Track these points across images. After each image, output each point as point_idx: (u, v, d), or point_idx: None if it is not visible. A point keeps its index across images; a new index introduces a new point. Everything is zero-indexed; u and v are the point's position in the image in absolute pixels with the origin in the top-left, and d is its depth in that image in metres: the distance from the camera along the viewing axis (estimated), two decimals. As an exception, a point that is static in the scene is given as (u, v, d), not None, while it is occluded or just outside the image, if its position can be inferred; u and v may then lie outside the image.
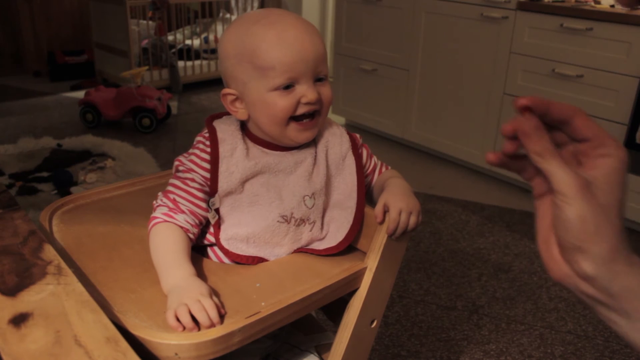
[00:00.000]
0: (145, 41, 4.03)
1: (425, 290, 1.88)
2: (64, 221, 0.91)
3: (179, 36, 4.39)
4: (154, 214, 0.82)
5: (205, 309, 0.68)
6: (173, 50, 4.20)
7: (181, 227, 0.81)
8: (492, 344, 1.65)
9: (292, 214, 0.84)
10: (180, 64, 4.17)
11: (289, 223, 0.84)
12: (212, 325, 0.68)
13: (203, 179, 0.84)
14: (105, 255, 0.83)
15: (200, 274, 0.80)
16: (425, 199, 2.56)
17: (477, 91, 2.73)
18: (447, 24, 2.76)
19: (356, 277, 0.84)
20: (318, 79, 0.83)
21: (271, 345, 0.91)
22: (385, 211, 0.83)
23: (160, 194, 0.85)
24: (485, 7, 2.58)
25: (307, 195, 0.85)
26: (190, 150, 0.87)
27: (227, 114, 0.89)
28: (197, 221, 0.83)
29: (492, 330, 1.71)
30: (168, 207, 0.82)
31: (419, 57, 2.93)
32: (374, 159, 0.96)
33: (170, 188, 0.84)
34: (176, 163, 0.86)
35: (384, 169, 0.96)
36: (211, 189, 0.83)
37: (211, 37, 4.38)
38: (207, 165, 0.84)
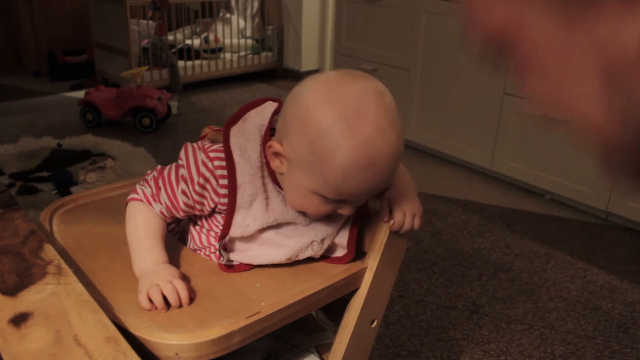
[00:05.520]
0: (145, 41, 4.03)
1: (426, 290, 1.88)
2: (64, 221, 0.91)
3: (179, 36, 4.39)
4: (136, 188, 0.82)
5: (177, 290, 0.71)
6: (173, 50, 4.20)
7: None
8: (492, 343, 1.65)
9: (297, 256, 0.83)
10: (180, 63, 4.17)
11: (291, 260, 0.84)
12: (182, 306, 0.72)
13: (193, 200, 0.79)
14: (106, 255, 0.83)
15: (201, 273, 0.80)
16: (425, 199, 2.56)
17: (477, 91, 2.72)
18: (447, 24, 2.76)
19: (357, 277, 0.84)
20: None
21: (273, 344, 0.91)
22: (390, 210, 0.83)
23: (155, 173, 0.82)
24: (486, 7, 2.58)
25: (316, 241, 0.83)
26: (203, 161, 0.77)
27: (241, 114, 0.80)
28: (171, 216, 0.82)
29: (492, 330, 1.71)
30: (152, 190, 0.81)
31: (419, 57, 2.93)
32: None
33: (164, 176, 0.81)
34: (180, 162, 0.80)
35: None
36: (222, 232, 0.80)
37: (211, 37, 4.37)
38: (205, 200, 0.79)
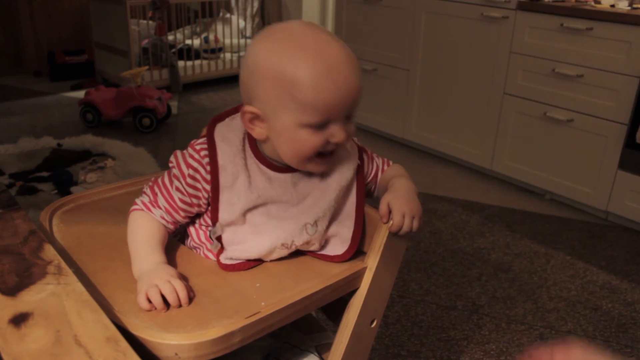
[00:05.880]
0: (145, 41, 4.03)
1: (425, 290, 1.88)
2: (64, 221, 0.91)
3: (179, 36, 4.39)
4: (137, 200, 0.85)
5: (176, 289, 0.72)
6: (173, 50, 4.20)
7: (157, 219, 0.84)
8: (492, 343, 1.65)
9: (293, 241, 0.83)
10: (180, 63, 4.17)
11: (289, 248, 0.84)
12: (181, 305, 0.72)
13: (188, 195, 0.83)
14: (106, 255, 0.83)
15: (200, 273, 0.80)
16: (425, 199, 2.56)
17: (477, 91, 2.73)
18: (447, 24, 2.76)
19: (356, 277, 0.84)
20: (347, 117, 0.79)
21: (272, 343, 0.92)
22: (390, 211, 0.83)
23: (151, 182, 0.86)
24: (485, 7, 2.58)
25: (309, 223, 0.84)
26: (190, 154, 0.82)
27: (230, 114, 0.86)
28: (172, 219, 0.84)
29: (492, 330, 1.71)
30: (149, 198, 0.84)
31: (419, 57, 2.93)
32: (376, 161, 0.94)
33: (159, 182, 0.85)
34: (171, 165, 0.84)
35: (386, 167, 0.95)
36: (212, 218, 0.82)
37: (211, 37, 4.37)
38: (199, 192, 0.82)
